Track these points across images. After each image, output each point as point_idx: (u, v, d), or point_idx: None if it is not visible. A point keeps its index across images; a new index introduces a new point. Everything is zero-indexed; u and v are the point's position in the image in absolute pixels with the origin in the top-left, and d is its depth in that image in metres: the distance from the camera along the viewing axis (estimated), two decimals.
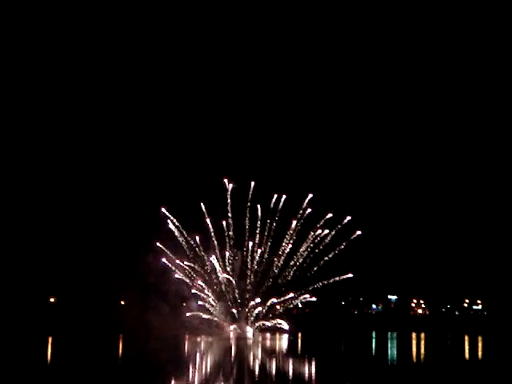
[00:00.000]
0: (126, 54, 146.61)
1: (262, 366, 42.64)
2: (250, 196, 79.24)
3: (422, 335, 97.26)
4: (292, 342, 69.70)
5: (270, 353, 54.49)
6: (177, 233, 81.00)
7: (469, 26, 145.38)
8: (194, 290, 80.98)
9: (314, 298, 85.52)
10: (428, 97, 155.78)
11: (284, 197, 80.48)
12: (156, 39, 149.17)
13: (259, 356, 51.63)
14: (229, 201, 79.91)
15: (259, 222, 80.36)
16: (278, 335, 79.93)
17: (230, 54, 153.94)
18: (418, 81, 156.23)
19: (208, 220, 78.87)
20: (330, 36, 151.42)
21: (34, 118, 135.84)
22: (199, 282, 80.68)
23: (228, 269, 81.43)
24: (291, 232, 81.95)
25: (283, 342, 71.60)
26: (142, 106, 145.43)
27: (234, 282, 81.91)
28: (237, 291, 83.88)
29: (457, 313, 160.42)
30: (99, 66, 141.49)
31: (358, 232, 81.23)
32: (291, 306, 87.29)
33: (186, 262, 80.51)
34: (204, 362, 45.23)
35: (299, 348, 63.98)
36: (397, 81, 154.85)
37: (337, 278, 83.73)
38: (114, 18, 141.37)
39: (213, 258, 79.73)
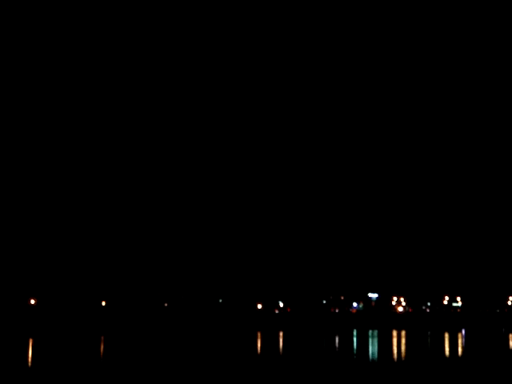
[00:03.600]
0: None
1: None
2: None
3: (403, 333, 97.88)
4: None
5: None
6: None
7: (469, 26, 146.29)
8: None
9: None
10: (427, 101, 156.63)
11: None
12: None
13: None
14: None
15: None
16: None
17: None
18: (416, 90, 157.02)
19: None
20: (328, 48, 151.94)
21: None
22: None
23: None
24: None
25: None
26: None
27: None
28: None
29: (433, 310, 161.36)
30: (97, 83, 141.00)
31: None
32: None
33: None
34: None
35: (280, 347, 64.14)
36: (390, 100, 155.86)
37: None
38: (114, 18, 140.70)
39: None
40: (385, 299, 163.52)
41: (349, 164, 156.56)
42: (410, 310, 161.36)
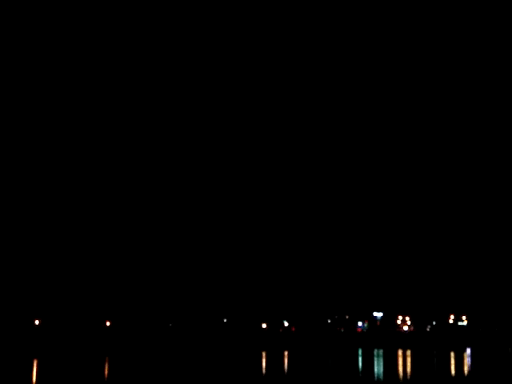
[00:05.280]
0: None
1: None
2: None
3: (408, 352, 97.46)
4: None
5: None
6: None
7: (469, 26, 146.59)
8: None
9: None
10: (426, 103, 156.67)
11: None
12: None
13: None
14: None
15: None
16: None
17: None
18: (416, 89, 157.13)
19: None
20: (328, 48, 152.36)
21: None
22: None
23: None
24: None
25: None
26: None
27: None
28: None
29: (439, 329, 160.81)
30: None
31: None
32: None
33: None
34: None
35: (285, 367, 63.86)
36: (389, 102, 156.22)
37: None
38: (113, 18, 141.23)
39: None
40: (390, 318, 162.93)
41: (352, 178, 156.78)
42: (412, 329, 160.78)
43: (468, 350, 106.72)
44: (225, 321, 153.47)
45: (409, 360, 76.76)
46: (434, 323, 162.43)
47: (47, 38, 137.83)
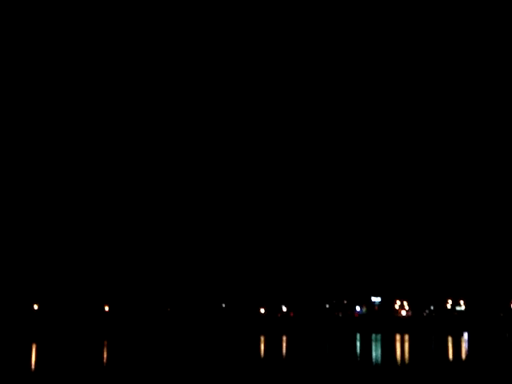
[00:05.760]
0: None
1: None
2: None
3: (406, 337, 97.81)
4: None
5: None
6: None
7: (469, 26, 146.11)
8: None
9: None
10: (426, 104, 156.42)
11: None
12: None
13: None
14: None
15: None
16: None
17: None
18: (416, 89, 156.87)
19: None
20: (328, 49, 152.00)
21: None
22: None
23: None
24: None
25: None
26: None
27: None
28: None
29: (436, 313, 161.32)
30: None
31: None
32: None
33: None
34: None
35: (284, 351, 64.00)
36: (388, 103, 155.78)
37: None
38: (114, 18, 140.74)
39: None
40: (388, 303, 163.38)
41: (350, 167, 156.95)
42: (410, 314, 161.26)
43: (465, 335, 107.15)
44: (223, 306, 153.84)
45: (406, 345, 77.00)
46: (432, 308, 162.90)
47: (47, 37, 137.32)
